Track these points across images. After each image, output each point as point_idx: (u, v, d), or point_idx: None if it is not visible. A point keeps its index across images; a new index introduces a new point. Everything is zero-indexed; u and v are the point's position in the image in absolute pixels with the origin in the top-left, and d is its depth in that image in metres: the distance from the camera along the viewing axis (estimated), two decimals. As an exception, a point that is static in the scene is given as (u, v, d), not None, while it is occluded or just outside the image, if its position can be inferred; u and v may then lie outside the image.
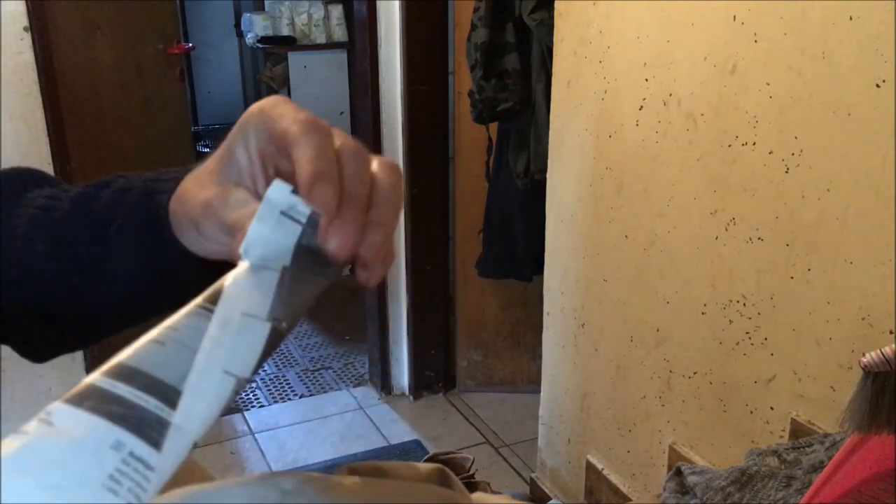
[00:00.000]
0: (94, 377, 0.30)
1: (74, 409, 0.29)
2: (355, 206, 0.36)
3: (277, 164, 0.39)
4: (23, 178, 0.52)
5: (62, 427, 0.28)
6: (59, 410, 0.29)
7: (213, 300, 0.33)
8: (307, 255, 0.36)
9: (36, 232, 0.47)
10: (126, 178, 0.48)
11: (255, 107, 0.39)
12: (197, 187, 0.41)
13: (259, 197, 0.38)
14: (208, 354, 0.31)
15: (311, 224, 0.36)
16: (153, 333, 0.32)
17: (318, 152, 0.36)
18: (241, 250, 0.35)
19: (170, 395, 0.30)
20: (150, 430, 0.29)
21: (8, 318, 0.49)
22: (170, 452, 0.29)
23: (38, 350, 0.53)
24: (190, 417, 0.30)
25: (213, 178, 0.41)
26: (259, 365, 0.33)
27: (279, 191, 0.35)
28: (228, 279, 0.34)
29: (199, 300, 0.34)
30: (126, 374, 0.30)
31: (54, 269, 0.47)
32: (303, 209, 0.35)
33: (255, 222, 0.35)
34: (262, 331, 0.33)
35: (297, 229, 0.35)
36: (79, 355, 2.26)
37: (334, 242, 0.35)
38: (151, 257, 0.46)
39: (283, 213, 0.35)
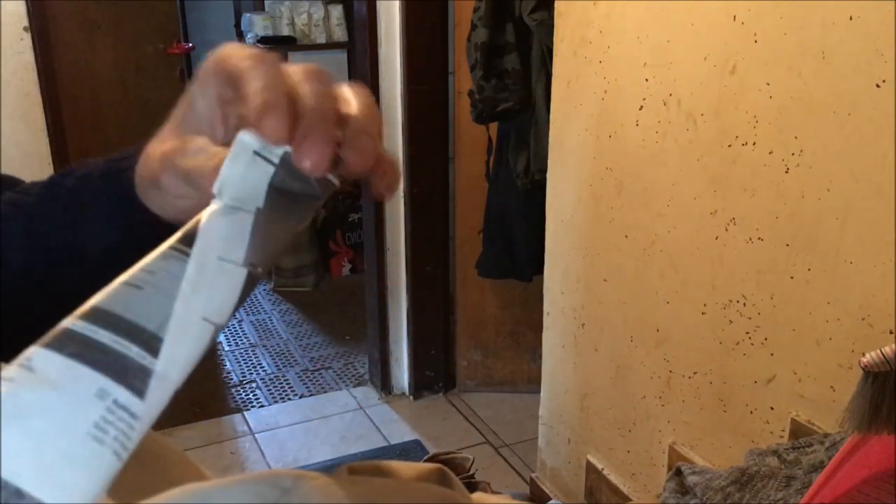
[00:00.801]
0: (71, 321, 0.29)
1: (56, 354, 0.28)
2: (319, 122, 0.36)
3: (237, 108, 0.39)
4: None
5: (44, 374, 0.27)
6: (39, 355, 0.28)
7: (188, 242, 0.33)
8: (281, 197, 0.35)
9: (7, 226, 0.47)
10: (87, 162, 0.48)
11: (210, 56, 0.39)
12: (157, 144, 0.42)
13: (221, 143, 0.38)
14: (187, 301, 0.31)
15: (285, 165, 0.35)
16: (128, 276, 0.31)
17: (265, 83, 0.36)
18: (214, 190, 0.34)
19: (151, 343, 0.29)
20: (134, 378, 0.28)
21: None
22: (153, 401, 0.28)
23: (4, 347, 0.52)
24: (172, 365, 0.29)
25: (173, 132, 0.41)
26: (234, 310, 0.33)
27: (252, 132, 0.36)
28: (203, 219, 0.34)
29: (172, 241, 0.33)
30: (105, 318, 0.29)
31: (29, 262, 0.47)
32: (276, 149, 0.35)
33: (227, 161, 0.35)
34: (239, 276, 0.33)
35: (270, 170, 0.35)
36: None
37: (305, 162, 0.35)
38: (123, 233, 0.46)
39: (257, 154, 0.35)
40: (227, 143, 0.37)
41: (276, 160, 0.35)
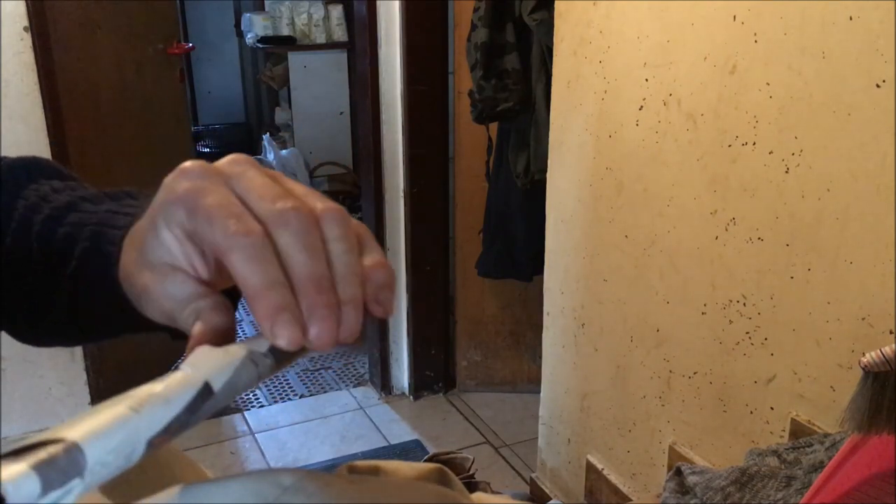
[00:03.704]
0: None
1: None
2: (351, 298, 0.33)
3: (209, 241, 0.35)
4: (24, 170, 0.52)
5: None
6: None
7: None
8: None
9: (18, 242, 0.48)
10: (85, 207, 0.47)
11: (172, 193, 0.35)
12: (134, 268, 0.38)
13: (196, 275, 0.36)
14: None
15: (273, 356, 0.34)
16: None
17: (262, 279, 0.32)
18: (189, 364, 0.33)
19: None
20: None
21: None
22: (170, 383, 0.31)
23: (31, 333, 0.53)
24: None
25: (145, 259, 0.37)
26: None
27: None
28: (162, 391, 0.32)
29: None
30: None
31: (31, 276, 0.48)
32: (263, 353, 0.34)
33: (220, 359, 0.33)
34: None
35: (254, 372, 0.34)
36: (79, 355, 2.26)
37: (314, 342, 0.33)
38: (100, 306, 0.45)
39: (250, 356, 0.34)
40: (198, 276, 0.35)
41: (266, 359, 0.34)
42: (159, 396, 0.30)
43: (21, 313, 0.49)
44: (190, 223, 0.34)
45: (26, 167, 0.52)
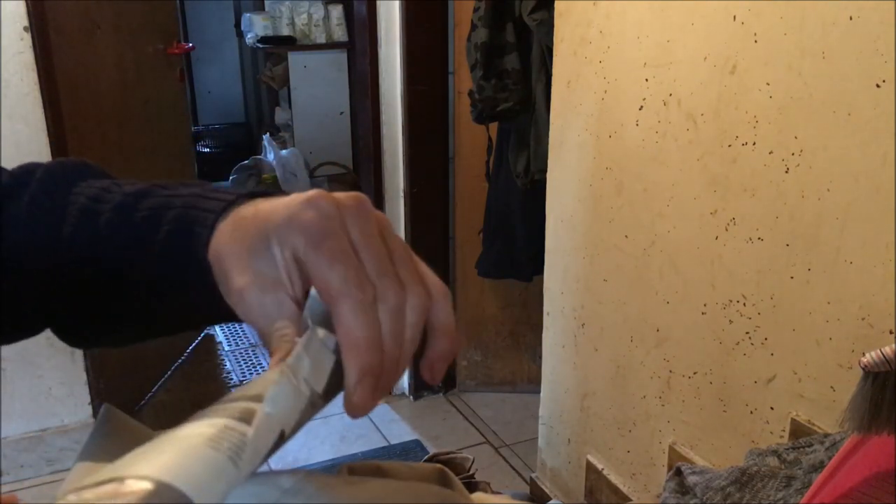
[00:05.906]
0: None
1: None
2: (393, 374, 0.37)
3: (321, 279, 0.37)
4: (76, 170, 0.51)
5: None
6: None
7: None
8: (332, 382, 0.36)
9: (80, 233, 0.46)
10: (163, 192, 0.46)
11: (296, 219, 0.36)
12: (233, 266, 0.38)
13: (292, 297, 0.37)
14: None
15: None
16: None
17: (367, 338, 0.35)
18: (287, 363, 0.35)
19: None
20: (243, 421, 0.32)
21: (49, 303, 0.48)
22: (259, 429, 0.32)
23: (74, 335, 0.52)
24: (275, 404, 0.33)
25: (246, 261, 0.38)
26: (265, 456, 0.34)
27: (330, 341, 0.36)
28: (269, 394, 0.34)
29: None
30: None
31: (93, 270, 0.46)
32: (320, 394, 0.36)
33: (301, 349, 0.35)
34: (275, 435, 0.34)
35: (332, 359, 0.36)
36: (79, 356, 2.26)
37: (354, 410, 0.35)
38: (186, 295, 0.44)
39: (326, 347, 0.36)
40: (297, 298, 0.37)
41: (320, 400, 0.36)
42: (252, 446, 0.31)
43: (75, 309, 0.48)
44: (306, 255, 0.36)
45: (77, 167, 0.51)
